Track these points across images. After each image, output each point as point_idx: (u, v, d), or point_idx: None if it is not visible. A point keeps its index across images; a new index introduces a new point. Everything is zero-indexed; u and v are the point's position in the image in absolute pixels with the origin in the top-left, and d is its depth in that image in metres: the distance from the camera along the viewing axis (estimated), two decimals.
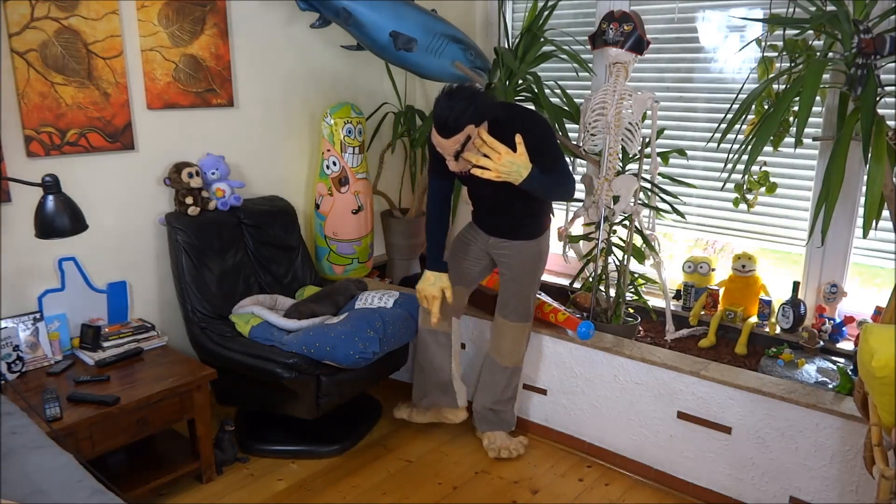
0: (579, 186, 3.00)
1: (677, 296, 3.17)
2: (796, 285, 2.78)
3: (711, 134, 2.68)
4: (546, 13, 3.00)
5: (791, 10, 2.38)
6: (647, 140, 2.79)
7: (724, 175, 2.69)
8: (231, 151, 3.05)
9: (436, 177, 2.55)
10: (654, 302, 3.13)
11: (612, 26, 2.69)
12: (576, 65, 2.99)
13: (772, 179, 2.70)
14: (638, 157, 2.83)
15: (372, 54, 3.07)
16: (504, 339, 2.67)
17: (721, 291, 3.03)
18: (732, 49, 2.86)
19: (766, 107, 2.49)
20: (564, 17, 3.32)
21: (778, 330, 2.83)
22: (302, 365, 2.46)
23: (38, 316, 2.46)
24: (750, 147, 2.25)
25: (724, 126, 2.43)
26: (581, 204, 2.95)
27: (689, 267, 3.14)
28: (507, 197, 2.43)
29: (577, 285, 3.21)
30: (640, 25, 2.69)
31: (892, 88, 2.29)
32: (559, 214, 3.12)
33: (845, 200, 2.56)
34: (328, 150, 3.24)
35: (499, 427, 2.77)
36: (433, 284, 2.57)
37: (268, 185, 3.24)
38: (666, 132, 3.05)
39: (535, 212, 2.54)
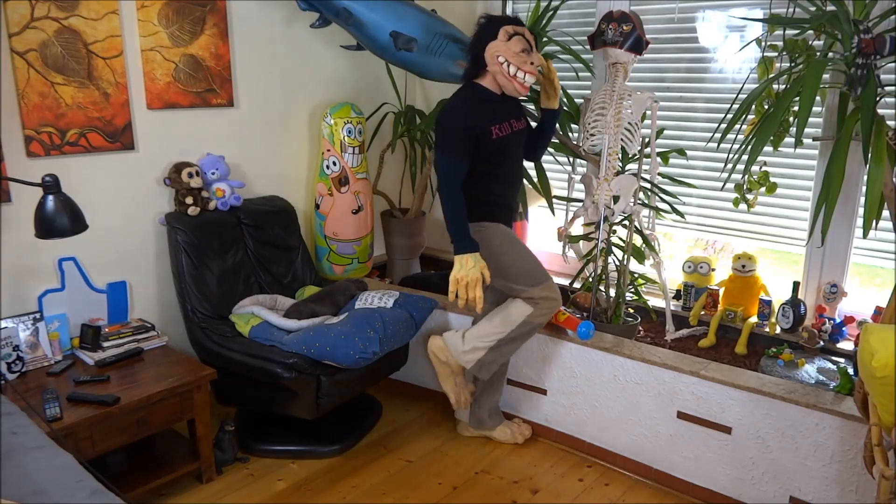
0: (579, 186, 3.01)
1: (677, 296, 3.17)
2: (796, 285, 2.78)
3: (711, 134, 2.68)
4: (549, 14, 2.99)
5: (791, 10, 2.38)
6: (647, 140, 2.79)
7: (724, 175, 2.69)
8: (231, 151, 3.05)
9: (464, 158, 2.39)
10: (654, 302, 3.13)
11: (611, 26, 2.69)
12: (576, 65, 2.99)
13: (772, 179, 2.70)
14: (638, 157, 2.83)
15: (372, 54, 3.07)
16: None
17: (721, 291, 3.03)
18: (732, 49, 2.86)
19: (766, 107, 2.49)
20: (564, 17, 3.32)
21: (778, 330, 2.83)
22: (302, 365, 2.46)
23: (38, 316, 2.46)
24: (750, 147, 2.25)
25: (724, 126, 2.43)
26: (581, 204, 2.95)
27: (689, 267, 3.14)
28: (520, 167, 2.67)
29: (577, 285, 3.21)
30: (640, 25, 2.69)
31: (892, 88, 2.29)
32: (559, 214, 3.12)
33: (845, 200, 2.56)
34: (328, 150, 3.24)
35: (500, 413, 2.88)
36: (474, 267, 2.37)
37: (268, 185, 3.24)
38: (666, 132, 3.05)
39: None
